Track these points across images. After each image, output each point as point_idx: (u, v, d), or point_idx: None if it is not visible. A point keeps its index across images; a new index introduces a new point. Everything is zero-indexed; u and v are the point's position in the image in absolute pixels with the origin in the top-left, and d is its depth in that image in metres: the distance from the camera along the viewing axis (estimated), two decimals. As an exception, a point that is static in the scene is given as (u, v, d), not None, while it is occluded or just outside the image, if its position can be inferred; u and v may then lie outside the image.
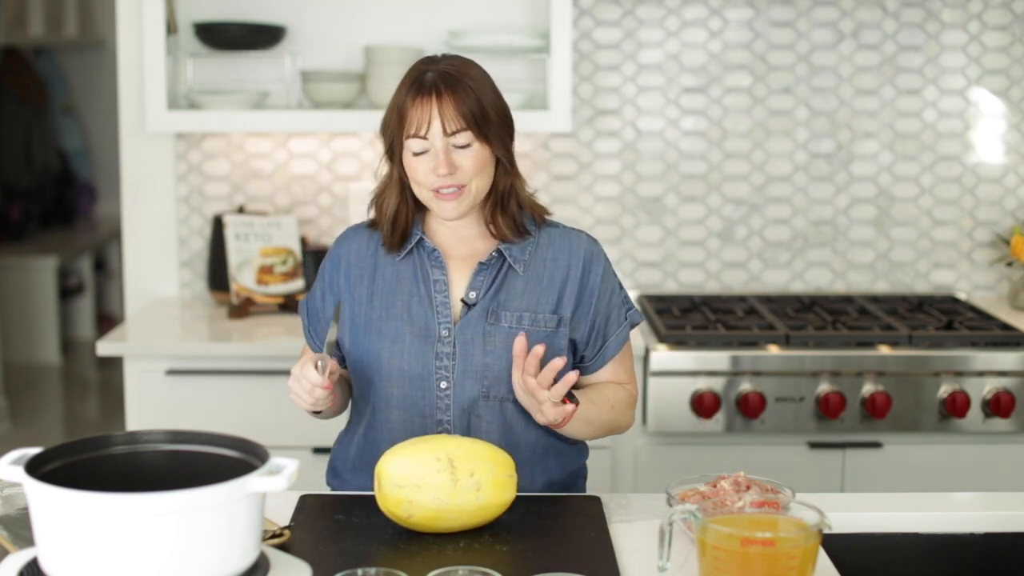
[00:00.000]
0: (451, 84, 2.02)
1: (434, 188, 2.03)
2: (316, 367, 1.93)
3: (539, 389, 1.93)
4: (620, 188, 3.57)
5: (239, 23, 3.39)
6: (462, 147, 2.02)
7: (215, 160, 3.53)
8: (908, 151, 3.58)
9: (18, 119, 6.66)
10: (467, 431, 2.05)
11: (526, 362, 1.94)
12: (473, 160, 2.03)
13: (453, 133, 2.01)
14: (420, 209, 2.13)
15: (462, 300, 2.08)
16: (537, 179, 3.54)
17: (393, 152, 2.08)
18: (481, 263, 2.09)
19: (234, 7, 3.44)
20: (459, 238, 2.12)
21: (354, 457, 2.14)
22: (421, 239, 2.11)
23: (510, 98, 3.29)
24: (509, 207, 2.11)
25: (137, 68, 3.44)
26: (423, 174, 2.03)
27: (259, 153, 3.53)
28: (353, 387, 2.15)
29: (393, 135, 2.06)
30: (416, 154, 2.03)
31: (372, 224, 2.16)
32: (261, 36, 3.39)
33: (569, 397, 1.99)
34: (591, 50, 3.51)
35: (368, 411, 2.12)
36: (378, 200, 2.14)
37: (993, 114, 3.56)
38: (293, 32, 3.47)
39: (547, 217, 2.16)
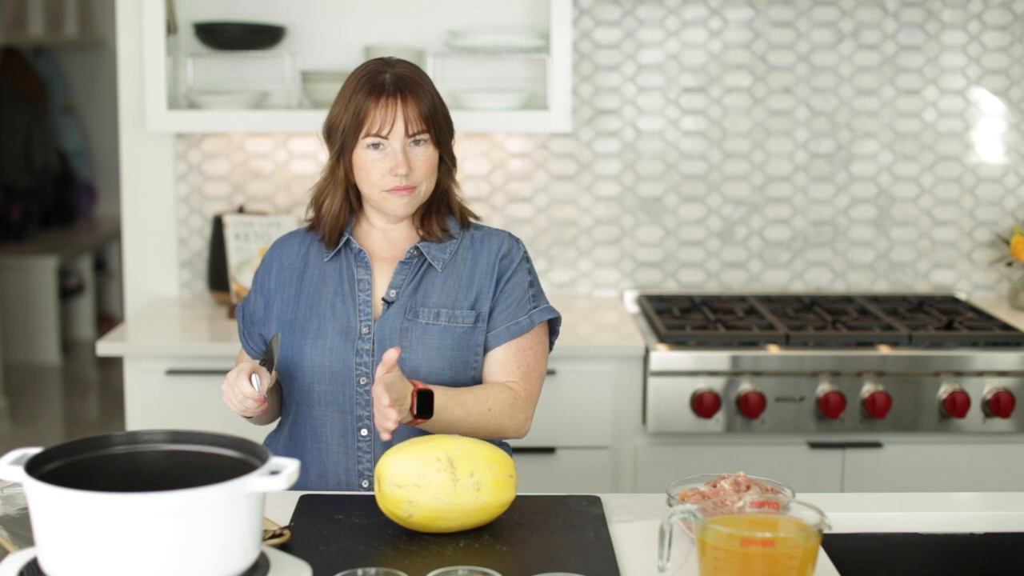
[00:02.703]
0: (412, 87, 2.09)
1: (387, 188, 2.08)
2: (250, 379, 1.97)
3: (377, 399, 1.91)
4: (620, 188, 3.57)
5: (239, 23, 3.39)
6: (418, 149, 2.09)
7: (215, 160, 3.53)
8: (908, 151, 3.58)
9: (18, 119, 6.65)
10: None
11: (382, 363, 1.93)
12: (427, 162, 2.10)
13: (414, 135, 2.07)
14: (352, 212, 2.18)
15: (383, 298, 2.12)
16: (537, 179, 3.55)
17: (342, 152, 2.11)
18: (401, 262, 2.14)
19: (234, 7, 3.44)
20: (387, 240, 2.17)
21: (281, 455, 2.17)
22: (348, 240, 2.15)
23: (510, 98, 3.32)
24: (442, 209, 2.17)
25: (137, 68, 3.45)
26: (378, 174, 2.08)
27: (259, 153, 3.53)
28: (283, 386, 2.18)
29: (346, 136, 2.09)
30: (371, 149, 2.07)
31: (311, 227, 2.20)
32: (261, 36, 3.39)
33: (420, 411, 1.97)
34: (591, 50, 3.51)
35: (293, 408, 2.16)
36: (318, 200, 2.18)
37: (993, 114, 3.56)
38: (293, 32, 3.47)
39: (472, 220, 2.21)
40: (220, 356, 3.05)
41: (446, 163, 2.15)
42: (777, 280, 3.62)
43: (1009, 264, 3.54)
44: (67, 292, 6.47)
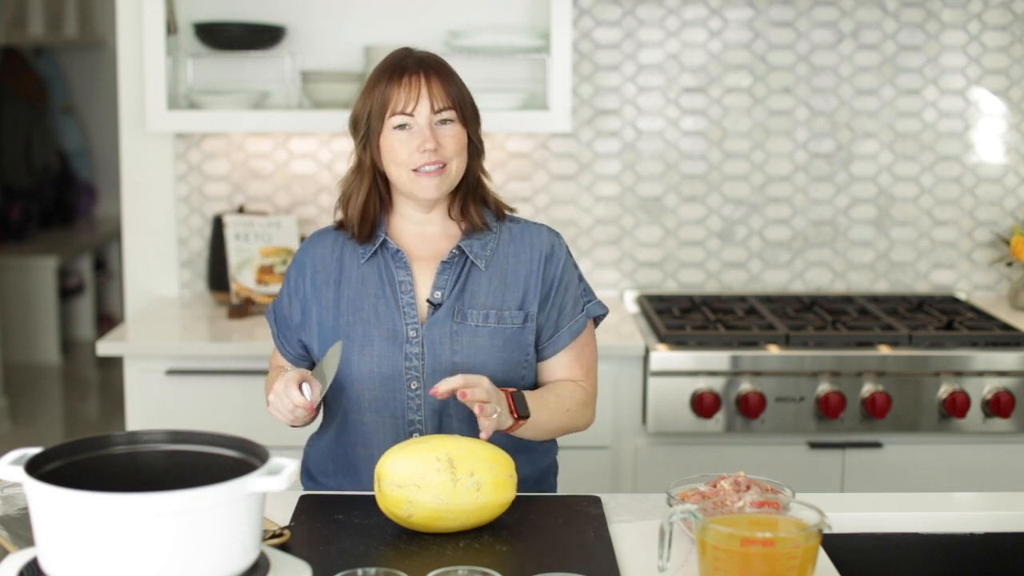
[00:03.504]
0: (435, 68, 2.08)
1: (416, 167, 2.05)
2: (300, 389, 1.94)
3: (480, 417, 1.92)
4: (620, 188, 3.57)
5: (239, 23, 3.39)
6: (445, 127, 2.07)
7: (215, 160, 3.53)
8: (908, 151, 3.58)
9: (18, 119, 6.65)
10: (439, 430, 2.07)
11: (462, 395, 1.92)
12: (455, 139, 2.07)
13: (439, 111, 2.06)
14: (384, 209, 2.14)
15: (428, 300, 2.09)
16: (537, 179, 3.54)
17: (368, 139, 2.09)
18: (443, 261, 2.11)
19: (234, 7, 3.44)
20: (423, 237, 2.14)
21: (328, 460, 2.15)
22: (385, 240, 2.12)
23: (510, 98, 3.32)
24: (477, 198, 2.15)
25: (137, 68, 3.45)
26: (406, 153, 2.05)
27: (259, 153, 3.53)
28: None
29: (371, 121, 2.08)
30: (398, 130, 2.05)
31: (339, 226, 2.18)
32: (261, 36, 3.39)
33: (519, 408, 1.98)
34: (591, 50, 3.51)
35: (340, 414, 2.13)
36: (345, 197, 2.16)
37: (993, 114, 3.56)
38: (293, 32, 3.47)
39: (508, 213, 2.18)
40: (220, 356, 3.05)
41: (475, 145, 2.13)
42: (777, 280, 3.62)
43: (1009, 264, 3.54)
44: (67, 292, 6.47)
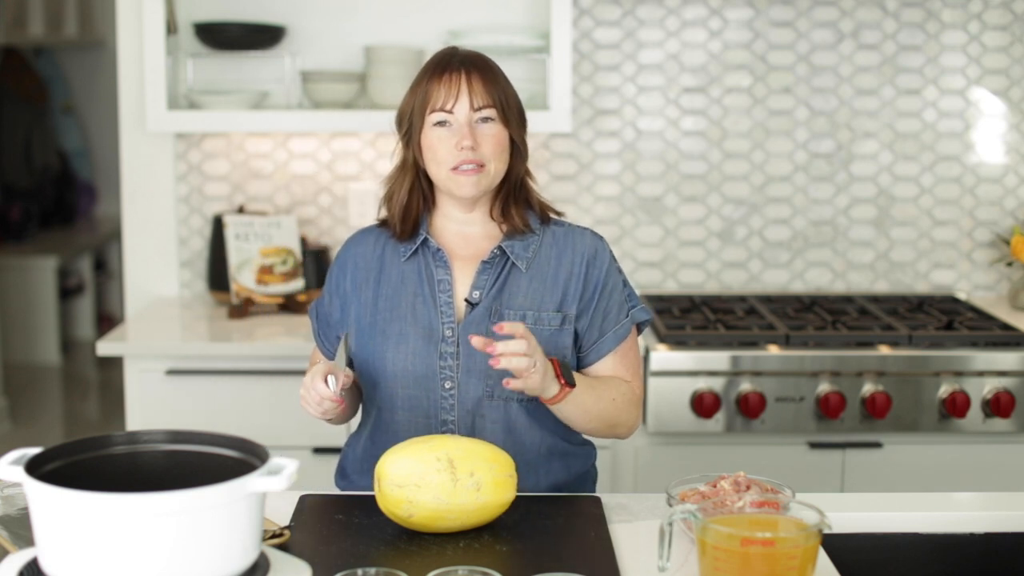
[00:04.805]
0: (479, 66, 2.07)
1: (454, 165, 2.04)
2: (326, 380, 1.93)
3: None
4: (620, 188, 3.57)
5: (239, 23, 3.39)
6: (485, 126, 2.05)
7: (215, 160, 3.53)
8: (908, 151, 3.58)
9: (18, 119, 6.66)
10: (471, 431, 2.05)
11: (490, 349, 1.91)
12: (494, 139, 2.06)
13: (479, 108, 2.04)
14: (427, 208, 2.14)
15: (465, 300, 2.08)
16: (537, 179, 3.53)
17: (411, 136, 2.09)
18: (484, 261, 2.09)
19: (234, 7, 3.44)
20: (464, 237, 2.13)
21: (361, 459, 2.14)
22: (426, 239, 2.11)
23: (510, 98, 3.31)
24: (521, 198, 2.13)
25: (137, 68, 3.45)
26: (445, 151, 2.04)
27: (259, 153, 3.53)
28: (363, 389, 2.15)
29: (413, 117, 2.07)
30: (438, 127, 2.04)
31: (382, 224, 2.17)
32: (261, 36, 3.39)
33: (567, 378, 1.97)
34: (591, 50, 3.51)
35: (374, 412, 2.12)
36: (388, 194, 2.14)
37: (993, 114, 3.56)
38: (293, 32, 3.47)
39: (553, 216, 2.17)
40: (220, 356, 3.05)
41: (518, 148, 2.11)
42: (777, 280, 3.62)
43: (1009, 264, 3.54)
44: (67, 292, 6.47)
